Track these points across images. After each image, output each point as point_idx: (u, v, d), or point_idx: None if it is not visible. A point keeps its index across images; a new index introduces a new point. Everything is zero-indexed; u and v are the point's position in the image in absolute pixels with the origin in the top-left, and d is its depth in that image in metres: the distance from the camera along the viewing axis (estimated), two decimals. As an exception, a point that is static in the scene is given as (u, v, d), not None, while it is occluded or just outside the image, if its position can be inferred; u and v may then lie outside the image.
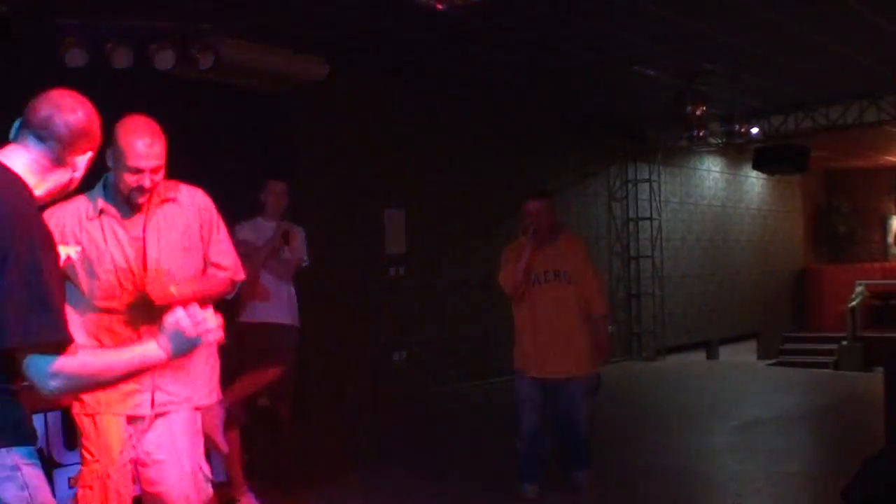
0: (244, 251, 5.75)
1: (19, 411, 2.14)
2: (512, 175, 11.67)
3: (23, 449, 2.12)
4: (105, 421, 3.32)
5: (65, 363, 2.06)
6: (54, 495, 4.29)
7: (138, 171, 3.20)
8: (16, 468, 2.08)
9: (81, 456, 3.42)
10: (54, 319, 2.06)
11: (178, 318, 2.22)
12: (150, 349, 2.21)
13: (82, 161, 2.34)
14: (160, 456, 3.35)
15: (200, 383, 3.44)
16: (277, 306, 5.81)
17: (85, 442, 3.36)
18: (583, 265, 5.51)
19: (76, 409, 3.37)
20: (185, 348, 2.23)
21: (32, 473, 2.12)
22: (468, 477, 6.28)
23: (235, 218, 5.99)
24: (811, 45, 9.29)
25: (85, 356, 2.12)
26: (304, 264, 5.97)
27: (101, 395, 3.29)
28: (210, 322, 2.24)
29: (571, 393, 5.45)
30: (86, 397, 3.32)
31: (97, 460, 3.32)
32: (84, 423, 3.35)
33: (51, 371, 2.06)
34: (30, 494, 2.10)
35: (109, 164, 3.23)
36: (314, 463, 6.48)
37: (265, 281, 5.80)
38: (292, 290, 5.90)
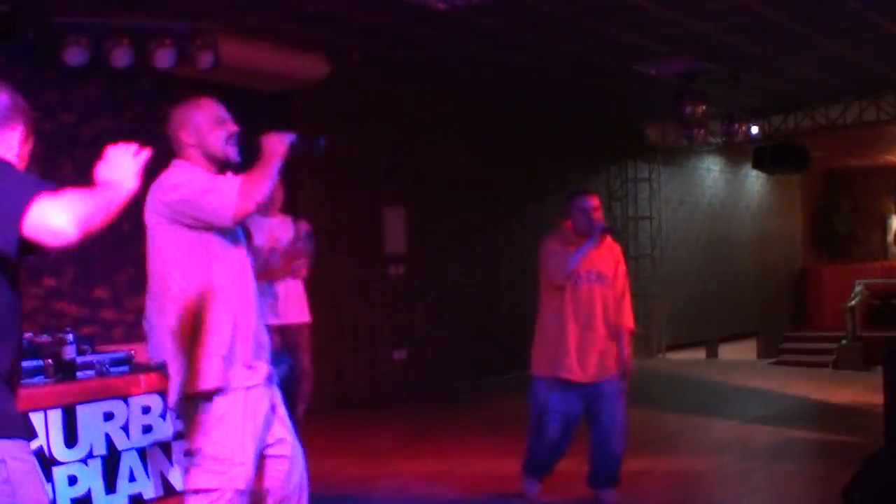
0: (265, 258, 5.73)
1: (11, 404, 2.11)
2: (512, 174, 11.68)
3: (12, 441, 2.08)
4: (254, 395, 3.09)
5: (65, 195, 2.09)
6: (53, 493, 4.29)
7: (224, 119, 3.33)
8: (1, 461, 2.05)
9: (204, 457, 3.03)
10: (53, 187, 2.10)
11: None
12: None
13: (15, 139, 2.33)
14: (285, 434, 3.28)
15: None
16: (291, 306, 5.82)
17: (225, 436, 3.01)
18: (620, 272, 5.37)
19: (211, 386, 3.05)
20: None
21: (20, 468, 2.08)
22: (470, 476, 6.28)
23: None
24: (811, 44, 9.29)
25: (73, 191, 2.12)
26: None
27: (248, 355, 3.11)
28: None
29: (612, 397, 5.23)
30: (236, 363, 3.07)
31: (242, 462, 3.03)
32: (226, 405, 3.04)
33: (60, 207, 2.06)
34: (12, 489, 2.05)
35: (190, 140, 3.29)
36: (315, 462, 6.48)
37: (280, 282, 5.78)
38: (301, 286, 5.91)
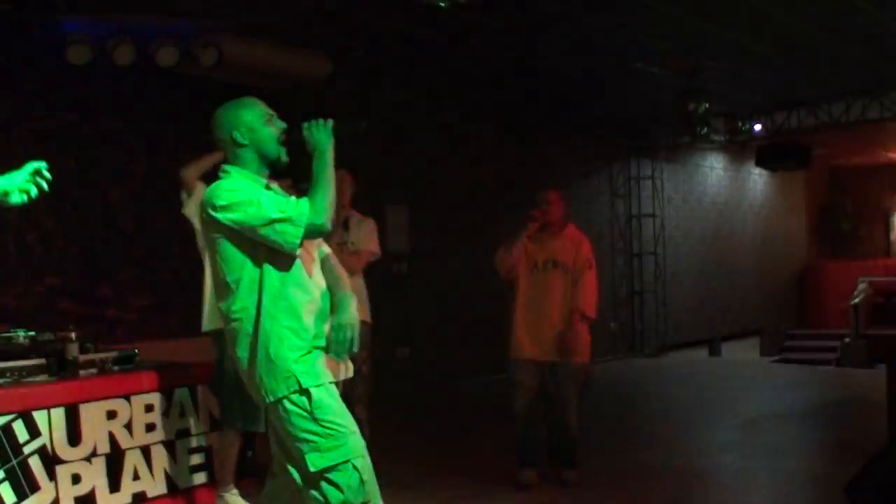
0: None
1: None
2: (515, 172, 11.68)
3: None
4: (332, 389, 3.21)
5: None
6: (56, 492, 4.29)
7: (272, 115, 3.33)
8: None
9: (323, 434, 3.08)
10: None
11: None
12: None
13: None
14: None
15: None
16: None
17: (330, 415, 3.09)
18: (581, 258, 5.70)
19: (310, 380, 3.11)
20: None
21: None
22: (470, 470, 6.28)
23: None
24: (814, 41, 9.28)
25: None
26: (373, 257, 5.96)
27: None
28: None
29: (562, 382, 5.63)
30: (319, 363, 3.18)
31: (354, 431, 3.14)
32: (321, 394, 3.12)
33: None
34: None
35: (244, 139, 3.23)
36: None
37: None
38: (362, 283, 5.87)
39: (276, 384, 3.10)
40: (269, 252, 3.13)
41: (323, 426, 3.08)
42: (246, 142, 3.25)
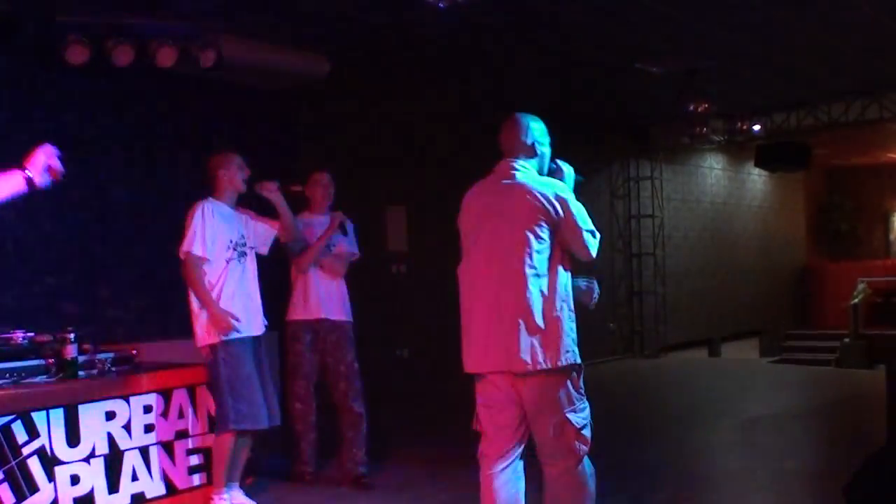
0: (301, 247, 5.84)
1: None
2: (514, 172, 11.66)
3: None
4: None
5: None
6: (55, 493, 4.28)
7: None
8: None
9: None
10: None
11: None
12: None
13: None
14: None
15: None
16: (329, 303, 5.84)
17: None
18: None
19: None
20: None
21: None
22: (471, 470, 6.27)
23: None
24: (813, 42, 9.28)
25: None
26: (354, 258, 6.02)
27: None
28: None
29: None
30: None
31: None
32: None
33: None
34: None
35: (540, 150, 4.12)
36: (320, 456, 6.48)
37: (317, 277, 5.82)
38: (343, 285, 5.92)
39: (565, 352, 3.70)
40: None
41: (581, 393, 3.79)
42: (539, 154, 3.98)
